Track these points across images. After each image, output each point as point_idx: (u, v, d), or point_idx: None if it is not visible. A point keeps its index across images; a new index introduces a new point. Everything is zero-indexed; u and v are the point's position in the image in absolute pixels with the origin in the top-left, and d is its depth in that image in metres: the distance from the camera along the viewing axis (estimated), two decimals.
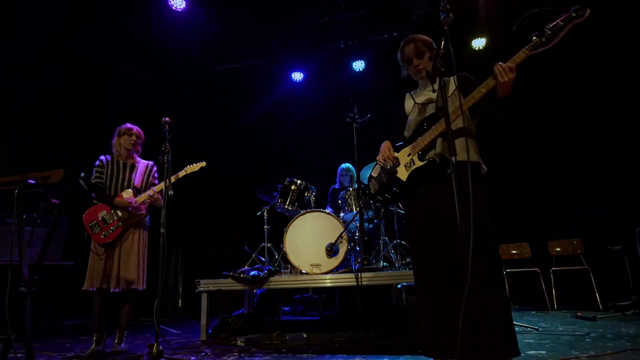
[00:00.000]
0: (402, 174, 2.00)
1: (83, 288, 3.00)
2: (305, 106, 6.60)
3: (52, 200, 2.24)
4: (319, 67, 6.47)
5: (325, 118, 6.12)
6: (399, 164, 2.03)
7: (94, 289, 2.99)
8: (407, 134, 2.09)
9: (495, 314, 1.63)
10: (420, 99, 2.09)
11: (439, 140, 1.88)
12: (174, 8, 5.10)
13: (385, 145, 2.08)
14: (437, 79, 1.75)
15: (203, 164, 3.42)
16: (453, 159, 1.47)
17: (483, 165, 1.90)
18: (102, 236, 3.04)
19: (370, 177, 2.23)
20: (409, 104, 2.16)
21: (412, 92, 2.21)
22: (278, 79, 6.68)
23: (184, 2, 5.09)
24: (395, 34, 5.88)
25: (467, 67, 2.02)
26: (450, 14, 1.78)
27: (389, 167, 2.06)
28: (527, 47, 1.68)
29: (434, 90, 1.97)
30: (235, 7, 5.43)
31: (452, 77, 2.00)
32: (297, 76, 6.63)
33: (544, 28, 1.64)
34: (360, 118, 3.73)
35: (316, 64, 6.46)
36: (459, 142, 1.76)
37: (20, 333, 1.92)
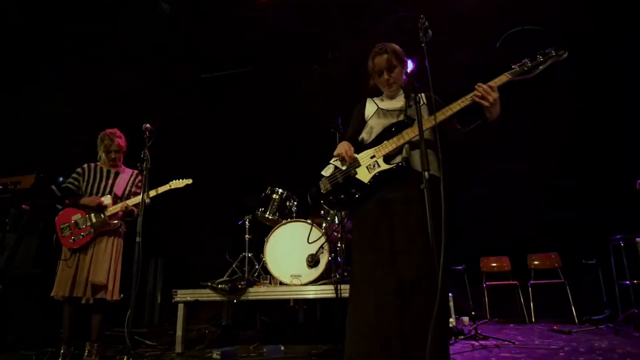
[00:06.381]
0: (364, 175, 1.90)
1: (51, 294, 2.87)
2: (291, 114, 6.60)
3: (22, 206, 2.18)
4: (306, 75, 6.49)
5: (311, 128, 6.12)
6: (360, 165, 1.93)
7: (64, 299, 2.87)
8: (367, 137, 2.03)
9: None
10: (385, 105, 2.06)
11: (406, 146, 1.86)
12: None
13: (345, 143, 1.98)
14: (413, 96, 1.76)
15: (189, 181, 3.34)
16: (426, 173, 1.47)
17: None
18: (71, 240, 2.93)
19: (321, 176, 2.06)
20: (370, 109, 2.10)
21: (374, 98, 2.16)
22: (264, 86, 6.67)
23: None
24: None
25: (447, 82, 2.06)
26: (430, 31, 1.81)
27: (345, 167, 1.97)
28: (509, 72, 1.75)
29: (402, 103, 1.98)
30: (221, 13, 5.44)
31: (420, 94, 2.00)
32: (284, 84, 6.64)
33: (523, 60, 1.72)
34: (343, 129, 3.75)
35: (303, 72, 6.49)
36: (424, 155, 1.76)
37: None
